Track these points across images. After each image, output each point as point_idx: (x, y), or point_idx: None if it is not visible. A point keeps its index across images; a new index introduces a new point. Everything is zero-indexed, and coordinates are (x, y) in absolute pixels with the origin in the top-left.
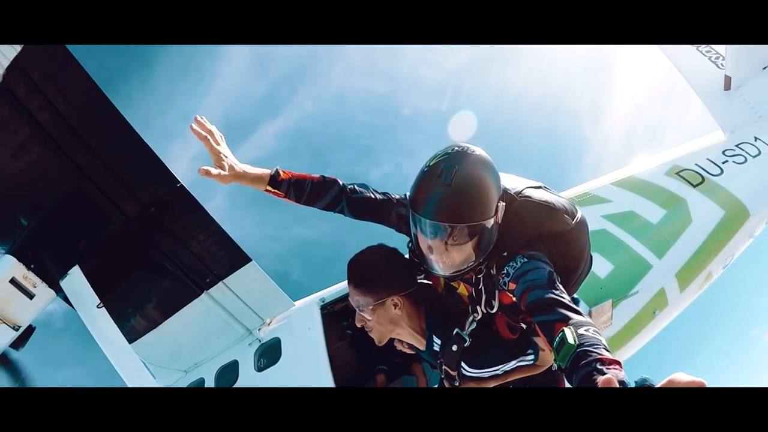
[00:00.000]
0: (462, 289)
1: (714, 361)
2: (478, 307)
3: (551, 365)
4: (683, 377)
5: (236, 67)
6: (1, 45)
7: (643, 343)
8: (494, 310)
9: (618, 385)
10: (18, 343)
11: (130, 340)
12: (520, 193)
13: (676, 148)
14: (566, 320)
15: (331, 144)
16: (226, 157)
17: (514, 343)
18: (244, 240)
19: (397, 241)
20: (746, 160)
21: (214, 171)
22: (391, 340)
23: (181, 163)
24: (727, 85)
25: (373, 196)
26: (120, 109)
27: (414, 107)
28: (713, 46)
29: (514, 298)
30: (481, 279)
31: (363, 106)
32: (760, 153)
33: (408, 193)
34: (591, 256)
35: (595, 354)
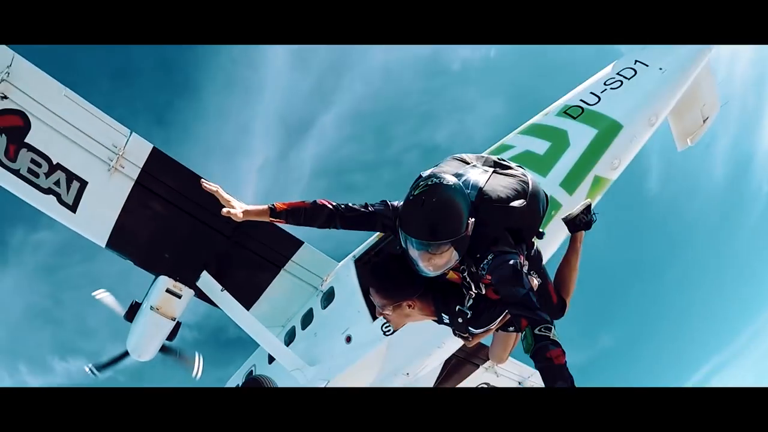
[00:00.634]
0: (451, 274)
1: None
2: (470, 291)
3: None
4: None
5: (277, 69)
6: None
7: (557, 243)
8: (483, 292)
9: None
10: (171, 336)
11: (247, 308)
12: (478, 195)
13: (575, 89)
14: (527, 317)
15: (390, 119)
16: (231, 201)
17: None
18: (297, 230)
19: None
20: (622, 83)
21: (233, 212)
22: None
23: (250, 174)
24: None
25: (358, 213)
26: (180, 136)
27: (462, 60)
28: None
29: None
30: (467, 275)
31: (411, 73)
32: (636, 74)
33: (403, 228)
34: (547, 196)
35: (544, 353)
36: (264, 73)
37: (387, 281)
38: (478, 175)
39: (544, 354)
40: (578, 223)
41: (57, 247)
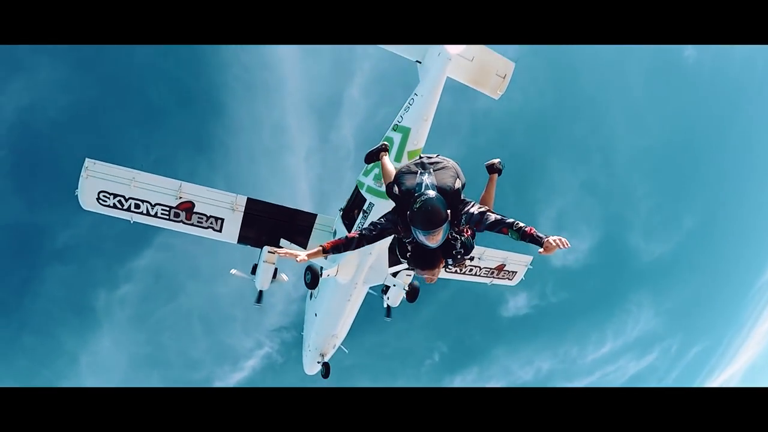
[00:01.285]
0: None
1: None
2: (457, 243)
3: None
4: (553, 240)
5: (290, 62)
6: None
7: None
8: (464, 238)
9: (535, 231)
10: (274, 275)
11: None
12: (440, 191)
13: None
14: (504, 224)
15: (413, 71)
16: (297, 253)
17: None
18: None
19: None
20: (408, 108)
21: (300, 257)
22: None
23: (298, 167)
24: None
25: (374, 234)
26: (222, 155)
27: None
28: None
29: (469, 232)
30: (454, 233)
31: None
32: (413, 101)
33: (410, 219)
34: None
35: (524, 229)
36: (279, 69)
37: (430, 263)
38: (429, 179)
39: (524, 230)
40: (494, 169)
41: (140, 296)
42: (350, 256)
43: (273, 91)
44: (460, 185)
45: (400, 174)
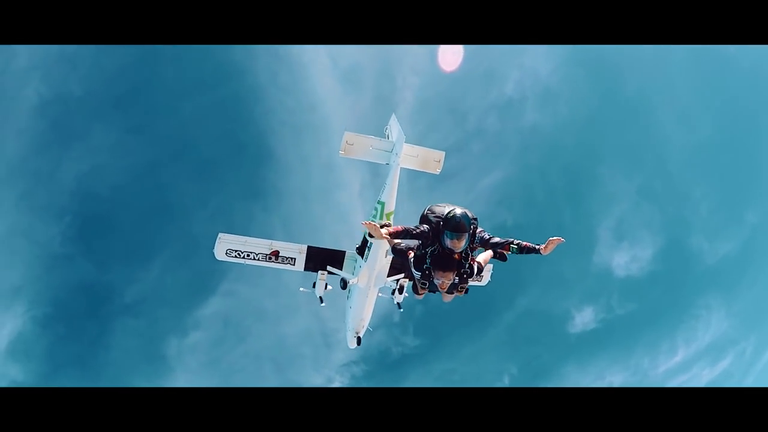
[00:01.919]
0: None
1: None
2: (466, 264)
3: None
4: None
5: (332, 99)
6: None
7: None
8: (471, 257)
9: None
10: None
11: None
12: (464, 215)
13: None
14: (506, 243)
15: (456, 94)
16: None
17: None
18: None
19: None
20: (384, 186)
21: (382, 230)
22: None
23: (352, 201)
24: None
25: (416, 230)
26: (277, 198)
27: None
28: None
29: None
30: (469, 253)
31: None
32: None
33: (443, 226)
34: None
35: (521, 245)
36: (322, 109)
37: (447, 266)
38: (458, 208)
39: (522, 245)
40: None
41: (210, 342)
42: (364, 271)
43: (319, 131)
44: (476, 218)
45: (431, 208)
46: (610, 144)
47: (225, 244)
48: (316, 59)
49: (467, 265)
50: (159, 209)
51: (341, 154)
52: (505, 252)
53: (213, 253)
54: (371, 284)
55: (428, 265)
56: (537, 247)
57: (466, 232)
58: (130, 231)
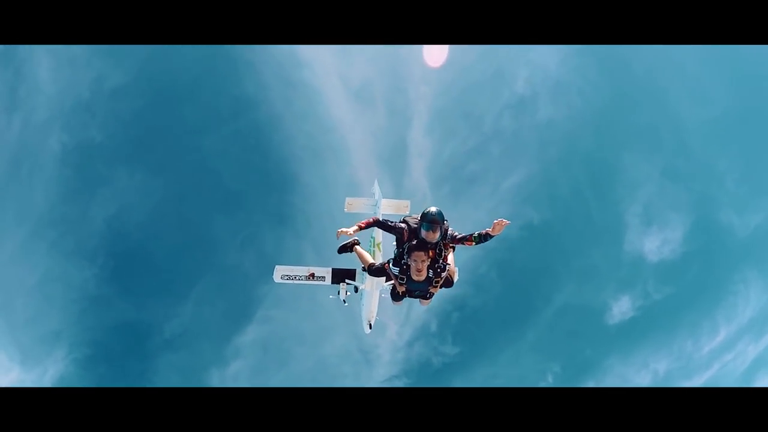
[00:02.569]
0: (430, 251)
1: None
2: (440, 259)
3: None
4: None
5: (348, 120)
6: None
7: None
8: (444, 253)
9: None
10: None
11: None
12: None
13: None
14: (468, 237)
15: (469, 97)
16: (347, 230)
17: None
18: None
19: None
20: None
21: (349, 230)
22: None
23: None
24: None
25: (390, 222)
26: (304, 223)
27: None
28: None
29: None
30: (439, 250)
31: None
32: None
33: (419, 221)
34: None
35: (482, 235)
36: (340, 130)
37: (423, 248)
38: (433, 208)
39: (481, 234)
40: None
41: (252, 369)
42: (368, 280)
43: (339, 152)
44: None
45: (405, 219)
46: (627, 129)
47: (279, 272)
48: (327, 82)
49: (441, 261)
50: (189, 244)
51: (346, 211)
52: (468, 244)
53: (272, 279)
54: (374, 288)
55: (405, 259)
56: (486, 231)
57: (439, 224)
58: (163, 267)
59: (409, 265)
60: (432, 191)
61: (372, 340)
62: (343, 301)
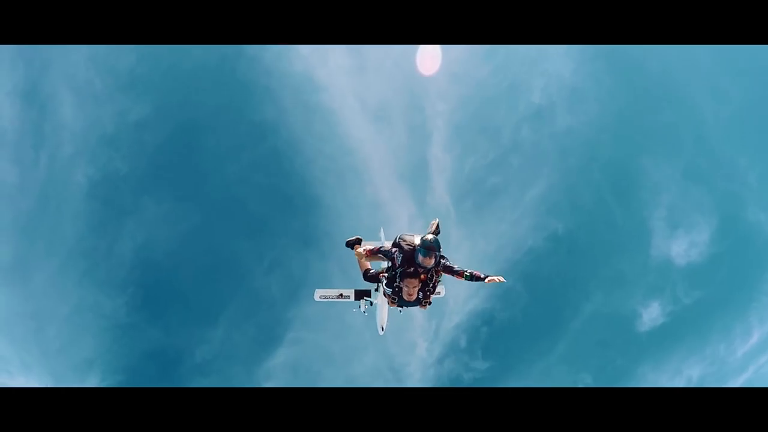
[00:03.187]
0: (422, 275)
1: None
2: (431, 282)
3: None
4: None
5: (367, 139)
6: None
7: None
8: (435, 278)
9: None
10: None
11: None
12: (435, 242)
13: None
14: (461, 272)
15: (487, 112)
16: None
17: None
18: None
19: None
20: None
21: (360, 251)
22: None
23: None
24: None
25: (388, 251)
26: (329, 245)
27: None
28: None
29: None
30: (432, 274)
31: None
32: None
33: (418, 246)
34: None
35: (472, 274)
36: (361, 151)
37: (414, 275)
38: (429, 235)
39: (474, 274)
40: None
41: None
42: (379, 296)
43: (361, 172)
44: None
45: (402, 236)
46: (646, 132)
47: (318, 293)
48: (345, 104)
49: (431, 285)
50: (217, 269)
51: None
52: (458, 278)
53: (305, 300)
54: (383, 302)
55: (398, 282)
56: (483, 276)
57: (436, 251)
58: (192, 294)
59: (401, 288)
60: (455, 206)
61: (402, 358)
62: (364, 312)
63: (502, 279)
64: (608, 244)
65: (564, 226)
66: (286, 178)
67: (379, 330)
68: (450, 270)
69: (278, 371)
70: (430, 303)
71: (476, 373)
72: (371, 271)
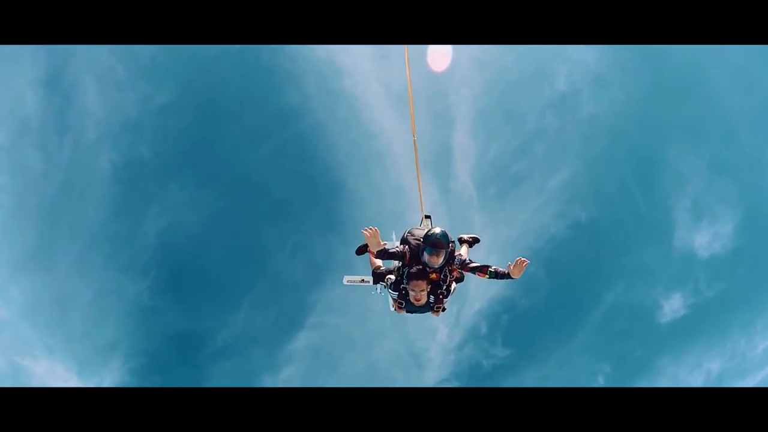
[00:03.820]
0: (433, 275)
1: None
2: (444, 283)
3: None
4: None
5: (390, 124)
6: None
7: None
8: (450, 277)
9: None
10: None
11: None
12: (444, 235)
13: None
14: (484, 267)
15: (510, 97)
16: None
17: (451, 283)
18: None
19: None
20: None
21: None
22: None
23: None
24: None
25: (396, 252)
26: (353, 228)
27: None
28: None
29: (456, 272)
30: (445, 274)
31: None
32: None
33: (423, 242)
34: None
35: (497, 270)
36: (384, 136)
37: (422, 277)
38: (437, 228)
39: (497, 270)
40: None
41: (303, 375)
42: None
43: (384, 158)
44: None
45: (411, 230)
46: (672, 122)
47: (345, 279)
48: (368, 89)
49: (444, 287)
50: (240, 254)
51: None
52: (480, 276)
53: (329, 284)
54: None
55: (404, 284)
56: (504, 271)
57: (444, 248)
58: (215, 278)
59: (408, 292)
60: (477, 193)
61: (422, 343)
62: (380, 292)
63: (526, 262)
64: (631, 233)
65: (587, 215)
66: (309, 162)
67: (390, 308)
68: (470, 268)
69: (299, 355)
70: (443, 309)
71: (496, 360)
72: (381, 269)
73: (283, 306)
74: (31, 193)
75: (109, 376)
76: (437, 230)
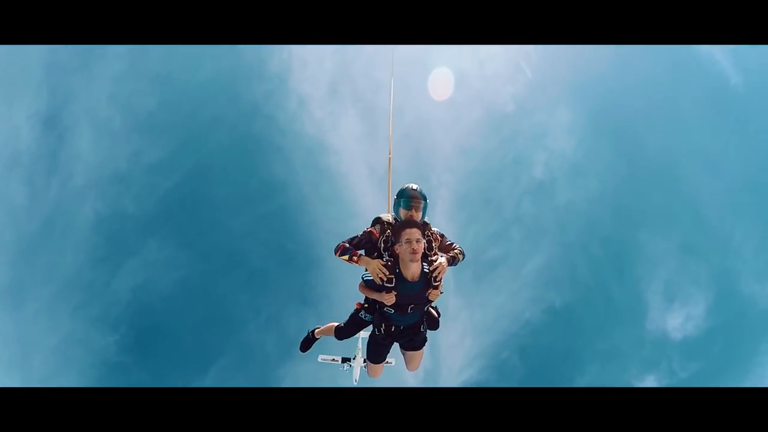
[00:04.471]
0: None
1: None
2: (430, 254)
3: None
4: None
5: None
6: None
7: None
8: (434, 244)
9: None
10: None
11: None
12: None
13: None
14: (458, 250)
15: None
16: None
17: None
18: None
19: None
20: None
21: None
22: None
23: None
24: None
25: (364, 239)
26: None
27: None
28: None
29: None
30: (428, 240)
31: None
32: None
33: (397, 198)
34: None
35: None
36: (365, 215)
37: (410, 225)
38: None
39: (455, 258)
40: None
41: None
42: (356, 362)
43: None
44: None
45: (378, 217)
46: (644, 208)
47: (320, 357)
48: (353, 169)
49: (430, 254)
50: (213, 319)
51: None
52: (450, 261)
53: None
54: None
55: (391, 248)
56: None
57: (421, 200)
58: (185, 341)
59: (398, 258)
60: (454, 276)
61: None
62: (345, 370)
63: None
64: (604, 317)
65: (562, 300)
66: (290, 236)
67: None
68: (446, 245)
69: None
70: (440, 290)
71: None
72: (344, 323)
73: (251, 377)
74: (11, 228)
75: None
76: (413, 184)
